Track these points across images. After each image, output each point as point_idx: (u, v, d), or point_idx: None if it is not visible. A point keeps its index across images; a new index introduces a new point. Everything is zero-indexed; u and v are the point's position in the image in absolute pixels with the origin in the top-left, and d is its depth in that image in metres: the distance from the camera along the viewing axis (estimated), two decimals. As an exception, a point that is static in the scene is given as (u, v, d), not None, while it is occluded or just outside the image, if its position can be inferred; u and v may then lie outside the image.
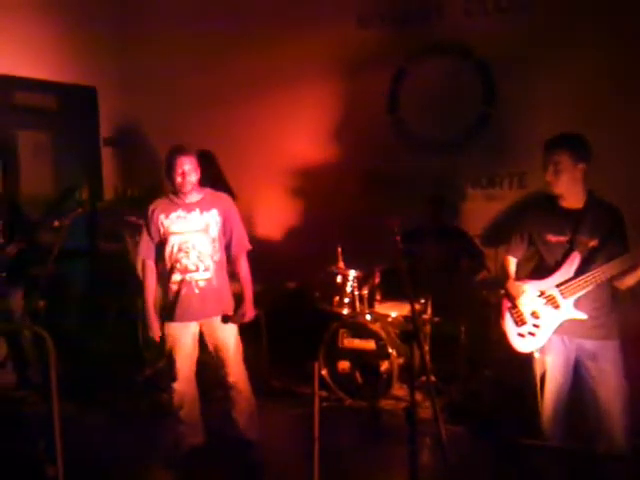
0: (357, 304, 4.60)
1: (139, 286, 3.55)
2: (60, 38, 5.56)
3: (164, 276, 3.49)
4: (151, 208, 3.50)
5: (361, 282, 4.67)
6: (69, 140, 5.81)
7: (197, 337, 3.54)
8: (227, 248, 3.54)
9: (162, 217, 3.45)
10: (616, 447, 2.99)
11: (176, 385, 3.51)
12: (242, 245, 3.56)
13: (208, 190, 3.55)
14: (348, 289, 4.64)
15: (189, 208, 3.44)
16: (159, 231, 3.46)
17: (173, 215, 3.44)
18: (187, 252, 3.41)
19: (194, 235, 3.42)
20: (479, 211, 5.06)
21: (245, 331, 3.63)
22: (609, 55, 4.50)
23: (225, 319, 3.49)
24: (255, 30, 5.52)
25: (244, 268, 3.55)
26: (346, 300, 4.63)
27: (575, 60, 4.59)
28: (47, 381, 2.88)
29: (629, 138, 4.40)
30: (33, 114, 5.61)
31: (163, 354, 4.73)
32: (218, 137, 5.36)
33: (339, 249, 4.72)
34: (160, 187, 5.73)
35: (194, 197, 3.46)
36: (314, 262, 4.98)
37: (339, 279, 4.67)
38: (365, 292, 4.64)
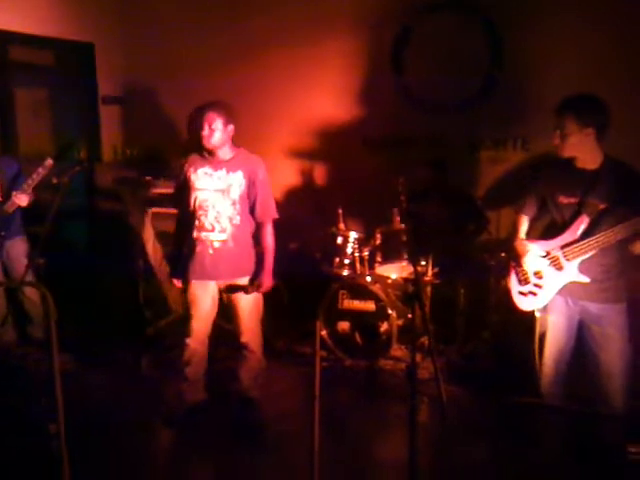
0: (357, 265, 4.60)
1: (138, 245, 3.54)
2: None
3: (187, 230, 3.46)
4: (183, 161, 3.47)
5: (362, 244, 4.65)
6: (67, 97, 5.74)
7: (216, 297, 3.52)
8: (252, 213, 3.45)
9: (191, 171, 3.42)
10: (615, 408, 3.00)
11: (189, 341, 3.51)
12: (266, 212, 3.43)
13: (242, 150, 3.45)
14: (349, 250, 4.64)
15: (217, 166, 3.38)
16: (187, 184, 3.42)
17: (200, 171, 3.40)
18: (206, 210, 3.38)
19: (215, 194, 3.37)
20: (483, 173, 5.03)
21: (266, 297, 3.58)
22: (622, 19, 4.39)
23: (238, 288, 3.42)
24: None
25: (266, 236, 3.43)
26: (346, 261, 4.63)
27: (586, 23, 4.50)
28: (48, 337, 2.88)
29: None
30: (30, 71, 5.52)
31: (165, 313, 4.82)
32: (220, 97, 5.26)
33: (340, 210, 4.70)
34: (160, 146, 5.76)
35: (225, 155, 3.39)
36: (316, 223, 4.97)
37: (340, 240, 4.66)
38: (366, 254, 4.63)
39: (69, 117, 5.72)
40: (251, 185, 3.39)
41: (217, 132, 3.30)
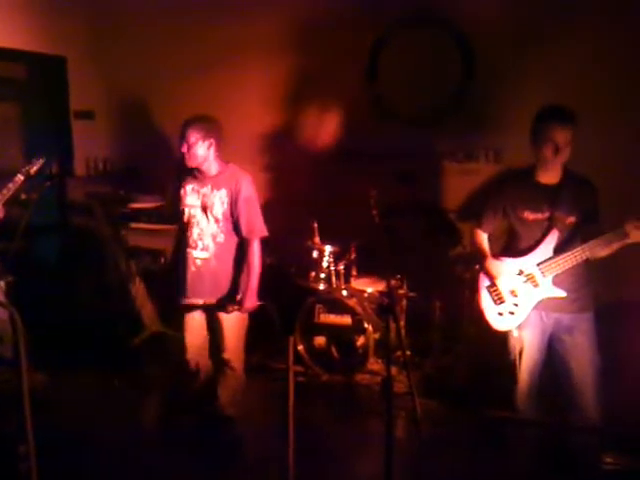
0: (333, 279, 4.59)
1: (111, 260, 3.49)
2: (29, 6, 5.36)
3: (180, 246, 3.48)
4: (176, 177, 3.47)
5: (337, 257, 4.65)
6: (38, 112, 5.66)
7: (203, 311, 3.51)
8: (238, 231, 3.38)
9: (184, 186, 3.41)
10: (589, 419, 3.02)
11: (187, 356, 3.52)
12: (251, 230, 3.33)
13: (230, 166, 3.39)
14: (324, 264, 4.62)
15: (204, 182, 3.36)
16: (179, 200, 3.43)
17: (189, 187, 3.39)
18: (192, 227, 3.37)
19: (199, 211, 3.35)
20: (455, 185, 5.05)
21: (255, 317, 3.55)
22: (596, 31, 4.45)
23: (219, 307, 3.38)
24: (232, -1, 5.40)
25: (251, 255, 3.33)
26: (322, 275, 4.61)
27: (558, 36, 4.55)
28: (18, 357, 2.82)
29: (606, 114, 4.40)
30: (1, 84, 5.44)
31: (138, 330, 4.75)
32: (192, 109, 5.24)
33: (315, 224, 4.69)
34: (135, 160, 5.71)
35: (211, 171, 3.35)
36: (290, 238, 4.95)
37: (315, 254, 4.64)
38: (341, 267, 4.62)
39: (40, 131, 5.64)
40: (234, 203, 3.31)
41: (194, 149, 3.25)
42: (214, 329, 3.47)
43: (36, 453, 2.50)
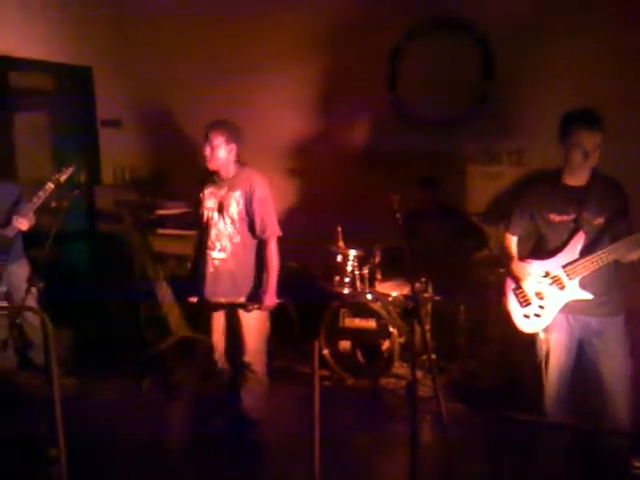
0: (358, 283, 4.59)
1: (139, 266, 3.57)
2: (56, 18, 5.48)
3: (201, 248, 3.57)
4: (201, 182, 3.57)
5: (361, 261, 4.65)
6: (66, 121, 5.77)
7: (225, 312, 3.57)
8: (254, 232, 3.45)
9: (204, 190, 3.51)
10: (619, 424, 2.98)
11: (215, 356, 3.61)
12: (266, 230, 3.40)
13: (246, 169, 3.48)
14: (349, 268, 4.63)
15: (221, 185, 3.46)
16: (200, 204, 3.52)
17: (208, 190, 3.50)
18: (210, 229, 3.45)
19: (216, 213, 3.44)
20: (478, 189, 5.04)
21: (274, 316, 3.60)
22: (615, 31, 4.41)
23: (239, 306, 3.44)
24: (255, 6, 5.44)
25: (269, 255, 3.41)
26: (347, 279, 4.62)
27: (577, 36, 4.52)
28: (48, 362, 2.88)
29: (635, 113, 4.34)
30: (29, 95, 5.56)
31: (165, 335, 4.81)
32: (216, 116, 5.29)
33: (339, 228, 4.71)
34: (162, 167, 5.79)
35: (228, 174, 3.44)
36: (315, 242, 4.97)
37: (339, 258, 4.65)
38: (366, 271, 4.62)
39: (68, 141, 5.75)
40: (249, 203, 3.40)
41: (217, 152, 3.36)
42: (234, 331, 3.51)
43: (67, 457, 2.54)
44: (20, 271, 4.30)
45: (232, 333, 3.55)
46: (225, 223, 3.41)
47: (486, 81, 4.90)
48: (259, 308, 3.41)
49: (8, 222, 4.09)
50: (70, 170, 4.06)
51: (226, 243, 3.42)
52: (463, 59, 4.93)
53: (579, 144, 2.88)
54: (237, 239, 3.42)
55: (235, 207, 3.40)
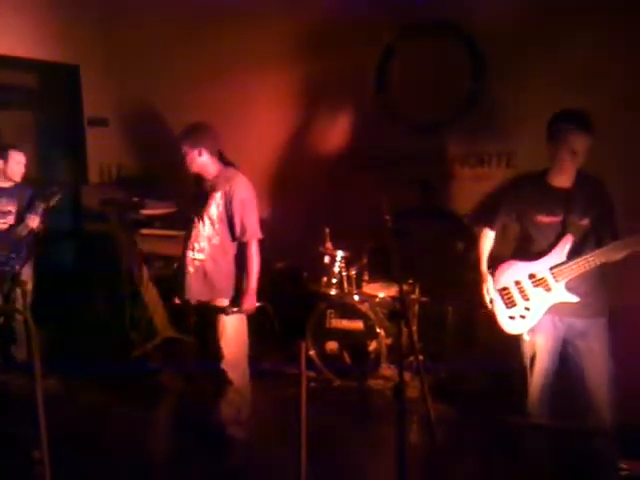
0: (345, 284, 4.58)
1: (125, 266, 3.55)
2: (42, 15, 5.43)
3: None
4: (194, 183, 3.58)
5: (349, 262, 4.65)
6: (52, 120, 5.72)
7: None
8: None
9: (191, 192, 3.55)
10: (603, 424, 2.99)
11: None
12: (246, 233, 3.35)
13: (228, 170, 3.46)
14: (336, 269, 4.62)
15: (203, 187, 3.46)
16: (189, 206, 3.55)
17: (197, 191, 3.51)
18: (191, 230, 3.44)
19: (197, 214, 3.43)
20: (468, 191, 5.02)
21: (252, 321, 3.55)
22: (607, 32, 4.41)
23: (217, 309, 3.39)
24: (241, 5, 5.42)
25: (249, 257, 3.34)
26: (334, 280, 4.61)
27: (571, 37, 4.53)
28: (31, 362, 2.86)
29: (622, 116, 4.34)
30: (15, 93, 5.51)
31: (151, 335, 4.77)
32: (204, 116, 5.26)
33: (327, 230, 4.70)
34: (149, 166, 5.75)
35: (210, 176, 3.44)
36: (302, 243, 4.96)
37: (327, 260, 4.65)
38: (353, 273, 4.62)
39: (54, 139, 5.70)
40: (228, 205, 3.36)
41: (187, 159, 3.39)
42: (211, 336, 3.44)
43: (49, 457, 2.51)
44: (28, 272, 4.35)
45: (209, 338, 3.49)
46: (204, 224, 3.39)
47: (476, 82, 4.90)
48: (238, 311, 3.37)
49: (21, 221, 4.20)
50: (59, 196, 4.21)
51: (205, 244, 3.40)
52: (453, 60, 4.93)
53: (568, 144, 2.88)
54: (216, 240, 3.39)
55: (215, 208, 3.37)
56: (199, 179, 3.50)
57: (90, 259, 5.28)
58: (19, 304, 4.15)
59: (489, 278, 3.19)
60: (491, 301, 3.16)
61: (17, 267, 4.31)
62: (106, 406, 4.04)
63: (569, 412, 3.13)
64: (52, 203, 4.26)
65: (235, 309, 3.35)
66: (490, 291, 3.17)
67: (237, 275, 3.43)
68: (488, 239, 3.26)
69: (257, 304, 3.44)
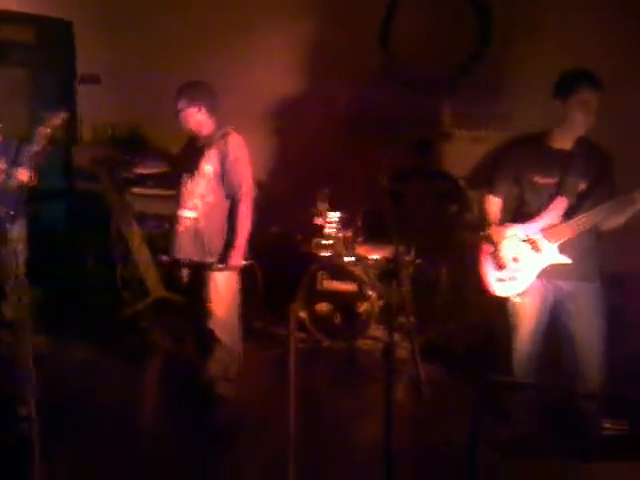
0: (338, 246, 4.55)
1: (116, 226, 3.52)
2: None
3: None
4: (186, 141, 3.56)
5: (344, 224, 4.61)
6: (46, 76, 5.61)
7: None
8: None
9: (182, 149, 3.54)
10: (592, 387, 2.98)
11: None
12: (240, 190, 3.33)
13: (224, 129, 3.42)
14: (330, 231, 4.59)
15: (199, 143, 3.43)
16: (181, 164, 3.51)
17: (189, 149, 3.49)
18: (184, 187, 3.41)
19: (189, 171, 3.39)
20: (465, 153, 4.98)
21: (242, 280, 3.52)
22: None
23: (204, 265, 3.37)
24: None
25: (241, 214, 3.32)
26: (327, 242, 4.58)
27: (573, 6, 4.43)
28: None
29: (626, 81, 4.26)
30: (7, 48, 5.39)
31: (143, 295, 4.76)
32: (200, 74, 5.15)
33: (323, 191, 4.65)
34: (142, 125, 5.67)
35: (205, 133, 3.42)
36: (298, 205, 4.92)
37: (321, 221, 4.61)
38: (348, 234, 4.58)
39: (47, 96, 5.59)
40: (223, 162, 3.34)
41: (183, 114, 3.36)
42: (201, 295, 3.42)
43: (37, 415, 2.51)
44: (22, 229, 4.26)
45: (198, 297, 3.45)
46: (197, 182, 3.36)
47: (480, 43, 4.79)
48: (225, 268, 3.34)
49: (10, 176, 4.06)
50: (62, 115, 3.93)
51: (198, 202, 3.36)
52: (457, 22, 4.82)
53: (584, 103, 2.82)
54: (209, 198, 3.36)
55: (209, 166, 3.34)
56: (192, 137, 3.48)
57: (81, 219, 5.23)
58: (8, 263, 4.10)
59: (503, 237, 3.06)
60: (514, 258, 3.03)
61: (7, 225, 4.22)
62: (95, 364, 4.05)
63: (557, 373, 3.12)
64: (57, 122, 3.98)
65: (221, 265, 3.33)
66: (507, 252, 3.06)
67: (228, 234, 3.40)
68: (494, 206, 3.18)
69: (244, 262, 3.41)
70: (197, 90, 3.40)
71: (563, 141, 2.94)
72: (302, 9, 5.22)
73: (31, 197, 4.16)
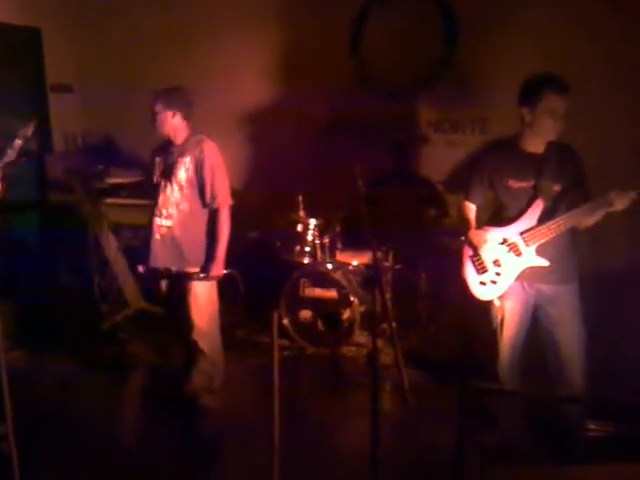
0: (318, 253, 4.54)
1: (92, 237, 3.45)
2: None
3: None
4: (154, 148, 3.51)
5: (322, 231, 4.60)
6: (14, 85, 5.50)
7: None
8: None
9: (156, 157, 3.45)
10: (574, 390, 3.00)
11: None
12: (217, 198, 3.31)
13: (197, 136, 3.40)
14: (309, 238, 4.58)
15: (172, 151, 3.39)
16: (154, 172, 3.45)
17: (160, 157, 3.44)
18: (159, 195, 3.38)
19: (164, 179, 3.36)
20: (441, 157, 4.99)
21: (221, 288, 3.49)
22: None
23: (184, 276, 3.34)
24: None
25: (219, 224, 3.31)
26: (307, 249, 4.56)
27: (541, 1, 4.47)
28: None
29: (594, 83, 4.32)
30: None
31: (121, 307, 4.69)
32: (173, 81, 5.11)
33: (300, 198, 4.63)
34: (114, 134, 5.59)
35: (178, 140, 3.39)
36: (275, 212, 4.89)
37: (300, 228, 4.59)
38: (326, 241, 4.58)
39: (16, 106, 5.48)
40: (199, 170, 3.31)
41: (158, 118, 3.33)
42: (181, 304, 3.39)
43: (15, 431, 2.45)
44: None
45: (178, 308, 3.43)
46: (172, 189, 3.33)
47: (449, 46, 4.82)
48: (206, 278, 3.31)
49: None
50: (32, 125, 3.85)
51: (173, 210, 3.34)
52: (427, 24, 4.84)
53: (552, 109, 2.84)
54: (184, 206, 3.33)
55: (184, 173, 3.32)
56: (166, 143, 3.44)
57: (56, 230, 5.14)
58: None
59: (483, 240, 3.09)
60: (495, 261, 3.05)
61: None
62: (74, 378, 3.97)
63: (540, 377, 3.14)
64: (29, 133, 3.90)
65: (202, 275, 3.31)
66: (487, 255, 3.08)
67: (208, 243, 3.38)
68: (470, 212, 3.20)
69: (224, 271, 3.38)
70: (174, 95, 3.38)
71: (535, 145, 2.96)
72: (276, 15, 5.21)
73: (2, 209, 4.07)
